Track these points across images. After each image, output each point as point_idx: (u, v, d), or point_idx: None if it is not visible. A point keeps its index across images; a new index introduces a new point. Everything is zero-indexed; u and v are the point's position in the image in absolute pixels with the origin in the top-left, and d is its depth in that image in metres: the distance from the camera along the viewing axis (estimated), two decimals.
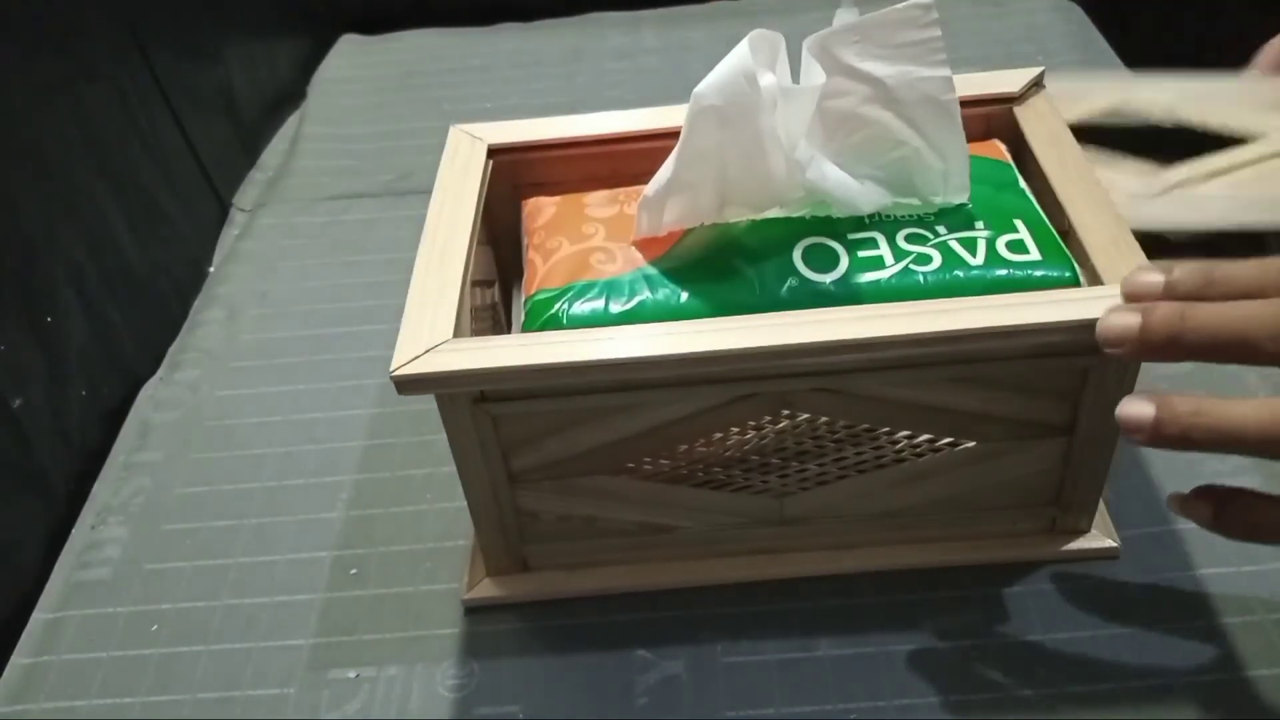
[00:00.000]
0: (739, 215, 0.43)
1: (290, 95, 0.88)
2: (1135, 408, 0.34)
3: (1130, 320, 0.35)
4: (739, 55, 0.39)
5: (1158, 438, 0.34)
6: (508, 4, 0.94)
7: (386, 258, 0.67)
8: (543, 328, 0.41)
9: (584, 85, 0.84)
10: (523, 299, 0.44)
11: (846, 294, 0.41)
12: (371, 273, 0.67)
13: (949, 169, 0.43)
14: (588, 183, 0.49)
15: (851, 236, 0.42)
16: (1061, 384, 0.41)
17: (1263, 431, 0.32)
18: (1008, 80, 0.49)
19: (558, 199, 0.48)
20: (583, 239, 0.45)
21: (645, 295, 0.41)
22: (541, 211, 0.47)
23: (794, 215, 0.43)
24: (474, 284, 0.44)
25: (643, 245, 0.44)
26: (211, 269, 0.71)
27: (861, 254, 0.42)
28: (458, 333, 0.39)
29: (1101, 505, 0.47)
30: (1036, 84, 0.49)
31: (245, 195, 0.78)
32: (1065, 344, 0.39)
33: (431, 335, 0.39)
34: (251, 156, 0.82)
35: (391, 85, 0.87)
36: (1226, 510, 0.35)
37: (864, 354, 0.38)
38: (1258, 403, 0.32)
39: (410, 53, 0.91)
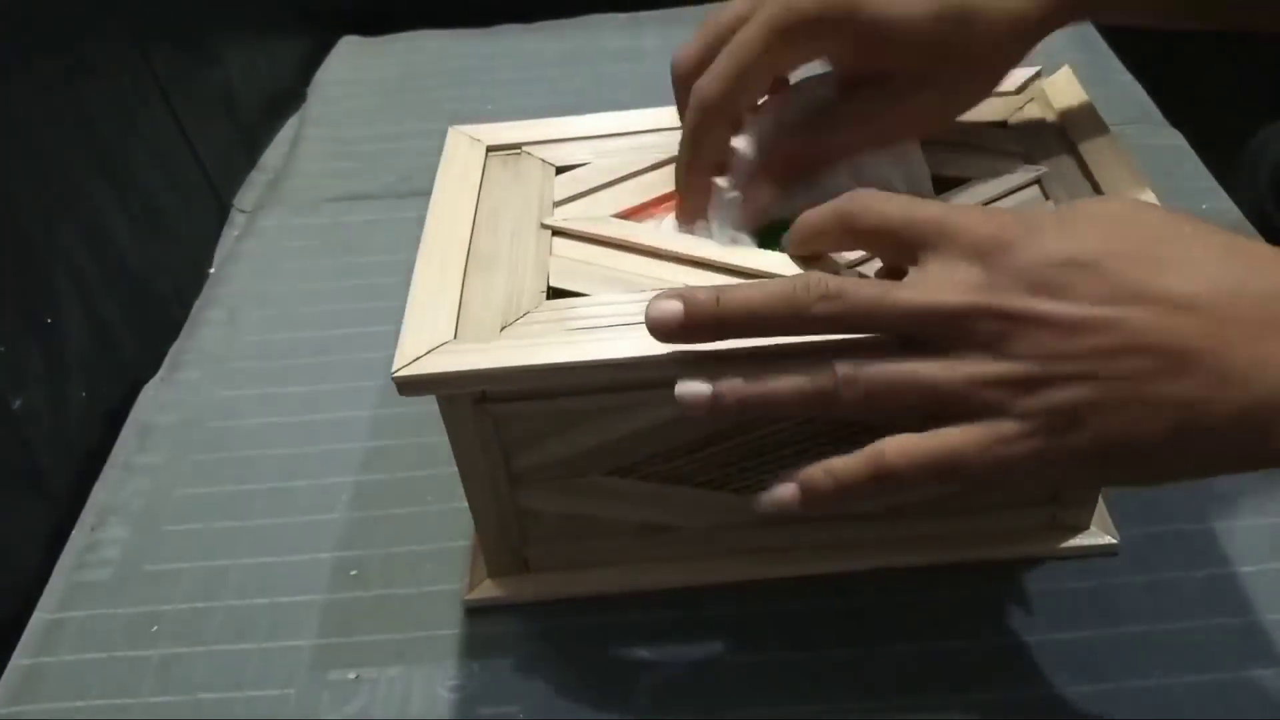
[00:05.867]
0: None
1: (291, 96, 0.88)
2: (691, 388, 0.35)
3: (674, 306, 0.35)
4: None
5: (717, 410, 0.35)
6: (508, 5, 0.94)
7: (387, 259, 0.67)
8: None
9: (584, 86, 0.84)
10: None
11: None
12: (372, 274, 0.67)
13: None
14: None
15: None
16: None
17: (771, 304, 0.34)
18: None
19: None
20: None
21: None
22: None
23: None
24: None
25: None
26: (212, 270, 0.71)
27: None
28: (458, 334, 0.39)
29: (1101, 502, 0.47)
30: (1033, 80, 0.49)
31: (245, 196, 0.78)
32: None
33: (432, 336, 0.39)
34: (252, 157, 0.82)
35: (392, 86, 0.87)
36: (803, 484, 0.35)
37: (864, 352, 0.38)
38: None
39: (410, 54, 0.91)
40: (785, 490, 0.35)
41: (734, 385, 0.35)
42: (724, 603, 0.46)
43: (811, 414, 0.35)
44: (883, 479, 0.33)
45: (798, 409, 0.34)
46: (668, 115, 0.48)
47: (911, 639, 0.44)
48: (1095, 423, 0.31)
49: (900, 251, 0.35)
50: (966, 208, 0.36)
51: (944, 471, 0.33)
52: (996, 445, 0.32)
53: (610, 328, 0.39)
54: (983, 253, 0.33)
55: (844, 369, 0.33)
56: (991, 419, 0.32)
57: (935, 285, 0.33)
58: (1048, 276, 0.32)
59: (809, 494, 0.34)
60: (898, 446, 0.33)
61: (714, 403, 0.35)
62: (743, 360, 0.35)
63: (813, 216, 0.38)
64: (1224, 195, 0.65)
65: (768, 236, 0.43)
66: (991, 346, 0.32)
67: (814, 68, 0.43)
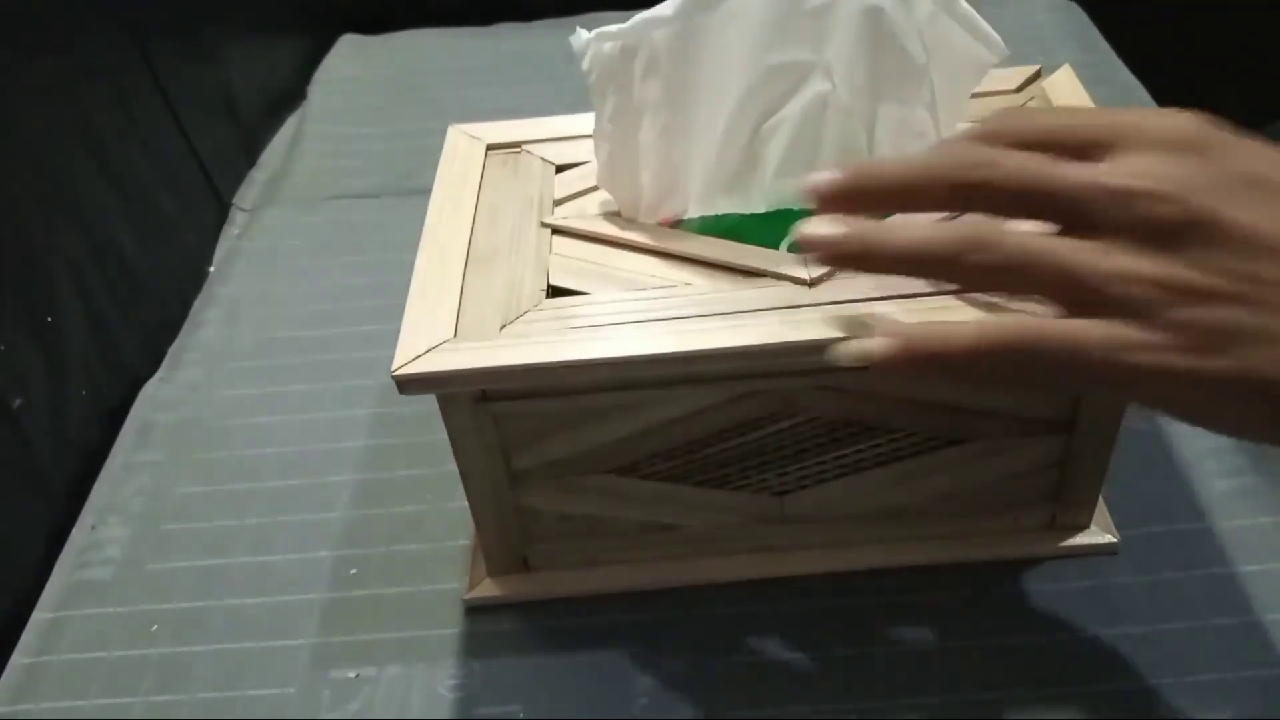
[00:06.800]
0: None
1: (290, 95, 0.89)
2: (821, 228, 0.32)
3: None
4: None
5: (836, 255, 0.32)
6: (508, 4, 0.94)
7: (387, 257, 0.67)
8: None
9: (584, 85, 0.84)
10: None
11: None
12: (372, 272, 0.67)
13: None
14: None
15: None
16: None
17: (928, 248, 0.31)
18: (1004, 78, 0.49)
19: None
20: None
21: None
22: None
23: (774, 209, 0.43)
24: None
25: None
26: (212, 269, 0.71)
27: None
28: (458, 332, 0.39)
29: (1101, 501, 0.47)
30: (1033, 79, 0.49)
31: (245, 195, 0.78)
32: None
33: (432, 335, 0.39)
34: (252, 156, 0.82)
35: (392, 85, 0.87)
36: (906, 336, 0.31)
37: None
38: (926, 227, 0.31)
39: (410, 52, 0.92)
40: (877, 341, 0.31)
41: (864, 228, 0.31)
42: (724, 602, 0.46)
43: (936, 272, 0.31)
44: (993, 347, 0.30)
45: (926, 262, 0.31)
46: None
47: (911, 639, 0.44)
48: (1243, 351, 0.27)
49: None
50: (1155, 109, 0.32)
51: (1060, 357, 0.29)
52: (1124, 350, 0.28)
53: (610, 326, 0.39)
54: (1176, 148, 0.29)
55: (983, 227, 0.30)
56: (1129, 320, 0.28)
57: (1112, 168, 0.29)
58: (1240, 187, 0.29)
59: (905, 345, 0.30)
60: (1016, 318, 0.30)
61: (838, 241, 0.31)
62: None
63: (948, 142, 0.33)
64: None
65: (759, 229, 0.43)
66: (1155, 239, 0.28)
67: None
